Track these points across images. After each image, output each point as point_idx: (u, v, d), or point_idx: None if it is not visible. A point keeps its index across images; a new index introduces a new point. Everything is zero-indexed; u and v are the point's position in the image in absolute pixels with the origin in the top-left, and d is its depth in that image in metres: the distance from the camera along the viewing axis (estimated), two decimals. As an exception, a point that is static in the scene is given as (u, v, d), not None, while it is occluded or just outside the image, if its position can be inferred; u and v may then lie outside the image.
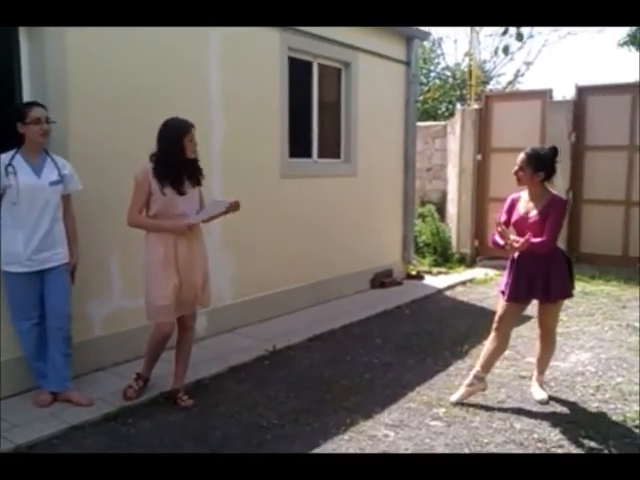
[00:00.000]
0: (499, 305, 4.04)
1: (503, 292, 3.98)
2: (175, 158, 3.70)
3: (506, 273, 3.99)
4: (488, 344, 4.04)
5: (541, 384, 4.15)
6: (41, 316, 3.82)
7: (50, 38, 4.00)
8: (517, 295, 3.89)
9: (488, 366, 4.04)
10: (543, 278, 3.80)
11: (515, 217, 3.91)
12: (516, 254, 3.89)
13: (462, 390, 4.00)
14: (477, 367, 4.03)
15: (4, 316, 3.83)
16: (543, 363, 4.16)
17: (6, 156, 3.65)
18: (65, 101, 4.09)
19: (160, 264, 3.74)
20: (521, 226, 3.85)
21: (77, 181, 3.91)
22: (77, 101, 4.16)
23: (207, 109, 5.08)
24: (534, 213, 3.81)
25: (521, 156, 3.81)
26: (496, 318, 4.00)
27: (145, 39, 4.56)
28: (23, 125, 3.64)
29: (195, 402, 3.93)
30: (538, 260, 3.79)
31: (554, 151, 3.82)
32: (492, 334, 4.02)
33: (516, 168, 3.83)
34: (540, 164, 3.76)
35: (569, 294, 3.94)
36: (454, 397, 3.99)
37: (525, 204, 3.88)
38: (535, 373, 4.19)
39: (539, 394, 4.06)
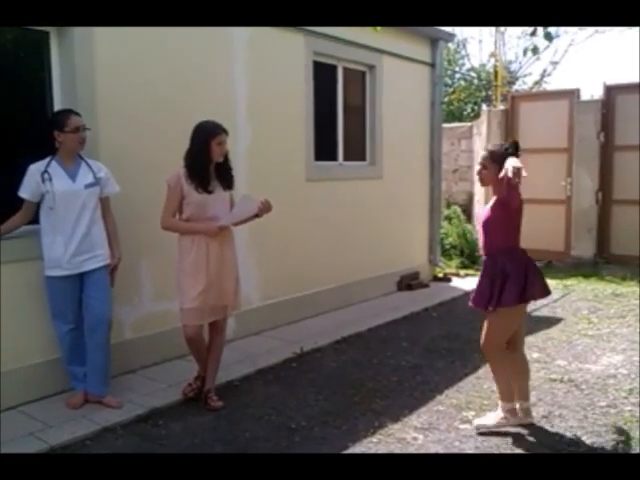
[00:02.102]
0: (487, 319, 3.52)
1: (489, 301, 3.44)
2: (201, 160, 3.76)
3: (480, 279, 3.54)
4: (498, 374, 3.58)
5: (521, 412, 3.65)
6: (78, 321, 3.87)
7: (79, 44, 4.06)
8: (522, 295, 3.43)
9: (524, 393, 3.61)
10: (532, 275, 3.45)
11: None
12: (485, 259, 3.56)
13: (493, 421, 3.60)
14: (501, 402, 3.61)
15: (41, 319, 3.90)
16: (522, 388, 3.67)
17: (41, 164, 3.71)
18: (94, 107, 4.15)
19: (190, 268, 3.79)
20: (482, 226, 3.58)
21: (113, 183, 3.96)
22: (105, 106, 4.23)
23: (232, 113, 5.12)
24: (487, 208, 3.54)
25: (482, 154, 3.56)
26: (494, 334, 3.48)
27: (171, 44, 4.63)
28: (62, 133, 3.68)
29: (225, 403, 3.95)
30: (516, 260, 3.46)
31: (516, 145, 3.50)
32: (496, 357, 3.53)
33: (478, 168, 3.57)
34: (503, 160, 3.36)
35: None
36: (478, 421, 3.65)
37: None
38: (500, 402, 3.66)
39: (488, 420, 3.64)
